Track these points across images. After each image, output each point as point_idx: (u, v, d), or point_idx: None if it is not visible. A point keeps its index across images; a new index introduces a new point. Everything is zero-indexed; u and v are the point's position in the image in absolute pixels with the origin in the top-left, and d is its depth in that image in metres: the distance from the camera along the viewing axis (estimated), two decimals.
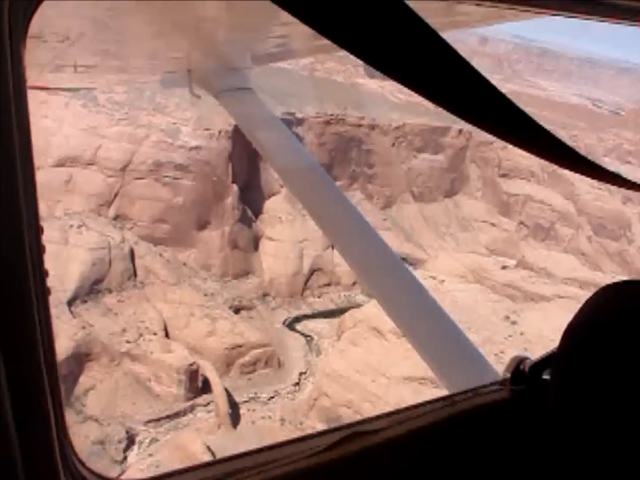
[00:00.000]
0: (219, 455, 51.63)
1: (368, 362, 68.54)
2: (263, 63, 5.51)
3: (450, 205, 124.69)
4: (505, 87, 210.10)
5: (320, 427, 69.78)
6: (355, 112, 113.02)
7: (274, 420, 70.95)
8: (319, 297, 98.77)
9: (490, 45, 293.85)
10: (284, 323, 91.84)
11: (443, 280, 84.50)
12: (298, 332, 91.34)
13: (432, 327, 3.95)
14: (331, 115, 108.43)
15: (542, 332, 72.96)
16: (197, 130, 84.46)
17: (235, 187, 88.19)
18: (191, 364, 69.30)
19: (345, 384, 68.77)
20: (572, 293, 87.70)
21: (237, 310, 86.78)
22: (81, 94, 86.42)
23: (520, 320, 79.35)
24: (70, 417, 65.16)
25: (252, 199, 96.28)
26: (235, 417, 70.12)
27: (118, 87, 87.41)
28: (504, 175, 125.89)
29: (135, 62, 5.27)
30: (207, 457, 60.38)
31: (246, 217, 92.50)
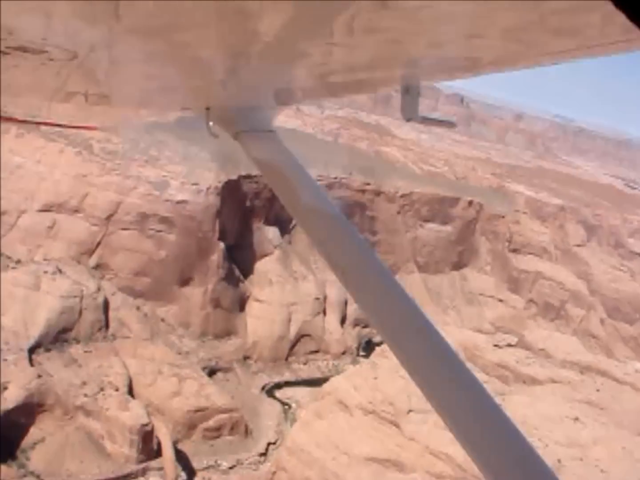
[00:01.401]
0: None
1: (330, 438, 64.29)
2: (288, 104, 5.20)
3: (457, 278, 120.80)
4: (535, 163, 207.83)
5: None
6: (362, 177, 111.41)
7: None
8: (304, 363, 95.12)
9: (526, 122, 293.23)
10: (262, 389, 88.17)
11: None
12: (276, 399, 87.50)
13: (479, 415, 3.03)
14: (334, 178, 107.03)
15: (525, 419, 67.80)
16: (185, 184, 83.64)
17: (221, 245, 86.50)
18: (145, 424, 66.05)
19: (305, 460, 64.47)
20: (568, 378, 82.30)
21: (212, 372, 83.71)
22: (77, 141, 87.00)
23: (504, 404, 74.02)
24: (8, 471, 62.37)
25: (242, 258, 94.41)
26: None
27: (114, 137, 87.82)
28: (514, 251, 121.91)
29: (152, 96, 4.98)
30: None
31: (232, 276, 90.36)
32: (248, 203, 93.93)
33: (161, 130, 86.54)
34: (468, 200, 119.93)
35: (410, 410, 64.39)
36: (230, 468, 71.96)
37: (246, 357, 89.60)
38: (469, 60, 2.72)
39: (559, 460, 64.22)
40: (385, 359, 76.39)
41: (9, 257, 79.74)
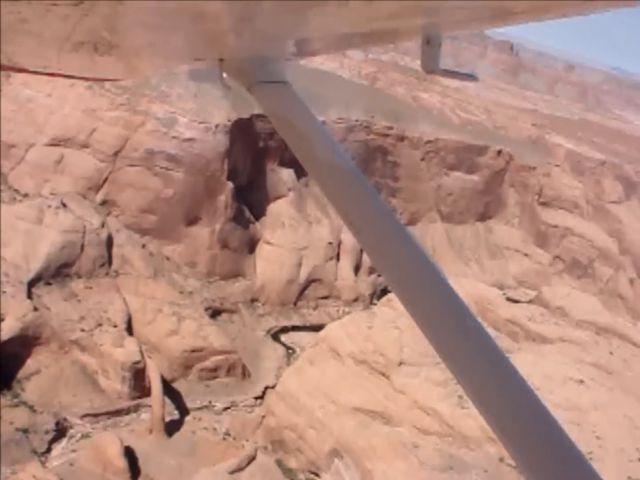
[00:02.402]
0: (132, 463, 47.67)
1: (320, 385, 63.31)
2: (305, 55, 4.88)
3: (482, 229, 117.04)
4: (583, 116, 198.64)
5: (262, 448, 65.15)
6: (385, 121, 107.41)
7: (218, 433, 66.78)
8: (314, 309, 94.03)
9: (578, 73, 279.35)
10: (267, 332, 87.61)
11: None
12: (281, 343, 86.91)
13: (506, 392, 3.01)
14: (355, 120, 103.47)
15: (527, 378, 65.05)
16: (194, 122, 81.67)
17: (230, 185, 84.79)
18: (137, 362, 66.20)
19: (293, 406, 63.80)
20: (580, 339, 79.15)
21: (217, 313, 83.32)
22: None
23: (521, 355, 71.64)
24: (2, 400, 63.43)
25: (254, 199, 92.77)
26: (176, 424, 66.50)
27: None
28: (544, 204, 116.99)
29: (164, 47, 4.47)
30: (120, 463, 57.16)
31: (242, 217, 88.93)
32: (261, 143, 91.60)
33: None
34: (497, 150, 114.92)
35: (401, 363, 62.74)
36: (225, 409, 71.98)
37: (253, 300, 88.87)
38: (498, 9, 2.54)
39: None
40: (386, 308, 74.65)
41: (16, 191, 79.91)
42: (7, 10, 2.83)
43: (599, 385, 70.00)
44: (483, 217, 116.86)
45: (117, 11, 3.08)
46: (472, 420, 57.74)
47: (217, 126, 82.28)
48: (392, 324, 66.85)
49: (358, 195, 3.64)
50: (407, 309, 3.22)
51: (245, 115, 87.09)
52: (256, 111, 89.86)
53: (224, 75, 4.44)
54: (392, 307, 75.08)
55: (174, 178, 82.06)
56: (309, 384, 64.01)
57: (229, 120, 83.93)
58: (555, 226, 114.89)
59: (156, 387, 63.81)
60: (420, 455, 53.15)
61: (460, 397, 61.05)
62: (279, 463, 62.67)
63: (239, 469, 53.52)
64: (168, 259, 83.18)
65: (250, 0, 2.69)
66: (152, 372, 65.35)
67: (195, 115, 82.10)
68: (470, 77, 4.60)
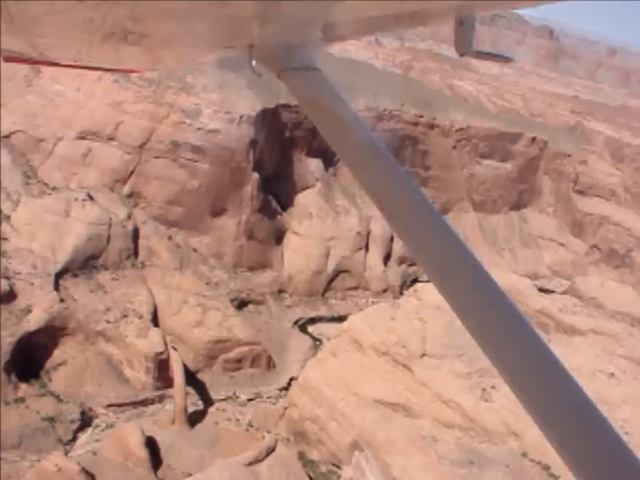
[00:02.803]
0: (154, 454, 48.00)
1: (342, 377, 62.78)
2: (334, 41, 4.86)
3: (516, 218, 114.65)
4: (625, 101, 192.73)
5: (285, 439, 65.04)
6: (415, 109, 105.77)
7: (241, 424, 66.93)
8: (342, 299, 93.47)
9: (620, 58, 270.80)
10: (295, 323, 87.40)
11: None
12: (308, 334, 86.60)
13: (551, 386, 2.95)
14: (384, 110, 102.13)
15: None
16: (218, 113, 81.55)
17: (255, 175, 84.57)
18: (160, 353, 66.66)
19: (315, 397, 63.44)
20: (613, 330, 76.83)
21: (243, 304, 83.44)
22: None
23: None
24: (30, 389, 64.66)
25: (281, 190, 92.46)
26: (199, 415, 66.88)
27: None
28: (580, 192, 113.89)
29: (194, 35, 4.45)
30: (141, 453, 57.66)
31: (269, 208, 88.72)
32: (287, 133, 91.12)
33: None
34: (531, 137, 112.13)
35: (424, 355, 61.73)
36: (249, 401, 72.08)
37: (281, 291, 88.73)
38: None
39: None
40: (412, 298, 73.63)
41: (45, 184, 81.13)
42: (38, 3, 2.91)
43: (630, 379, 67.87)
44: (517, 206, 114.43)
45: (145, 0, 3.08)
46: (494, 413, 56.61)
47: (241, 117, 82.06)
48: (416, 315, 65.87)
49: (391, 180, 3.61)
50: (442, 294, 3.16)
51: (271, 105, 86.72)
52: (282, 101, 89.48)
53: (254, 62, 4.41)
54: (418, 298, 74.07)
55: (200, 169, 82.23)
56: (331, 375, 63.57)
57: (254, 111, 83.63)
58: (592, 214, 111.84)
59: (178, 378, 64.17)
60: (440, 450, 52.23)
61: (483, 389, 59.88)
62: (301, 455, 62.52)
63: (257, 460, 53.42)
64: (195, 250, 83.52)
65: None
66: (175, 363, 65.74)
67: (219, 106, 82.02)
68: (505, 58, 4.49)
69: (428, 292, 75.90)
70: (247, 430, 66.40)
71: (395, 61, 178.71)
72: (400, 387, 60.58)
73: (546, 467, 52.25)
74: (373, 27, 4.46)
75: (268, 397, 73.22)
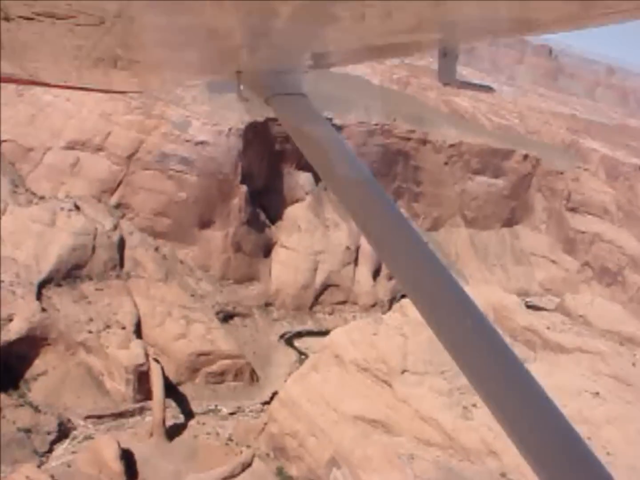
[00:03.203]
0: (131, 467, 47.38)
1: (322, 392, 62.19)
2: (321, 67, 4.80)
3: (508, 235, 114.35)
4: (623, 120, 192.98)
5: (264, 454, 64.39)
6: (407, 125, 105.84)
7: (221, 438, 66.24)
8: (330, 314, 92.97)
9: (619, 77, 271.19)
10: (282, 336, 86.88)
11: None
12: (295, 348, 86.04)
13: (522, 400, 3.04)
14: (375, 125, 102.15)
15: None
16: (206, 125, 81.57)
17: (244, 188, 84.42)
18: (140, 364, 66.19)
19: (296, 413, 62.83)
20: (599, 349, 76.22)
21: (229, 317, 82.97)
22: None
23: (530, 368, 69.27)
24: (8, 400, 64.11)
25: (270, 203, 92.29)
26: (179, 428, 66.26)
27: None
28: (572, 209, 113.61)
29: (182, 63, 4.76)
30: (116, 466, 57.03)
31: (257, 221, 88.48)
32: (277, 146, 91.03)
33: None
34: (523, 154, 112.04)
35: (404, 371, 61.18)
36: (231, 414, 71.46)
37: (268, 304, 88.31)
38: (520, 21, 2.51)
39: None
40: (397, 314, 73.13)
41: (33, 193, 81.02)
42: (30, 31, 2.97)
43: (615, 398, 67.19)
44: (509, 222, 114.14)
45: (135, 30, 3.16)
46: (473, 432, 55.92)
47: (230, 129, 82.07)
48: (399, 330, 65.39)
49: (374, 206, 3.68)
50: (423, 316, 3.26)
51: (260, 119, 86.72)
52: (272, 114, 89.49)
53: (242, 87, 4.47)
54: (404, 314, 73.62)
55: (188, 181, 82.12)
56: (312, 390, 62.99)
57: (242, 123, 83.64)
58: (584, 232, 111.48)
59: (157, 390, 63.69)
60: (417, 468, 51.61)
61: (464, 407, 59.22)
62: (279, 471, 61.81)
63: (232, 476, 52.84)
64: (181, 262, 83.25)
65: (265, 15, 2.66)
66: (155, 375, 65.27)
67: (208, 119, 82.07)
68: (487, 88, 4.60)
69: (413, 307, 75.48)
70: (227, 444, 65.72)
71: (392, 77, 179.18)
72: (380, 404, 59.97)
73: None
74: (359, 57, 4.58)
75: (250, 411, 72.60)
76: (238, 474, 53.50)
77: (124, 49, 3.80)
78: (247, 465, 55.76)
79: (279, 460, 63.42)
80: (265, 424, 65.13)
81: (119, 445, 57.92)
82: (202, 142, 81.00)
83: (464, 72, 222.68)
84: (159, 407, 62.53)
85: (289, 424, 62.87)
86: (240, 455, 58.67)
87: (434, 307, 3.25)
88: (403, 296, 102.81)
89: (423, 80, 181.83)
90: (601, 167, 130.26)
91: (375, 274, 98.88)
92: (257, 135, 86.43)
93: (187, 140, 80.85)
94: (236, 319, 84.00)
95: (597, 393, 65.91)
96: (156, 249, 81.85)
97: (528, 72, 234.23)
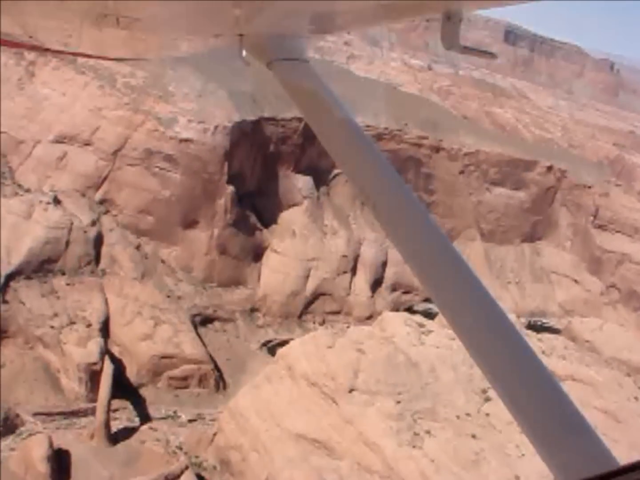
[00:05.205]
0: (64, 469, 45.07)
1: (270, 406, 58.60)
2: (324, 32, 4.92)
3: (528, 250, 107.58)
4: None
5: (211, 467, 61.45)
6: (418, 130, 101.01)
7: (170, 446, 63.59)
8: (320, 324, 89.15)
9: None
10: (264, 344, 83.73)
11: (431, 332, 70.14)
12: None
13: (536, 392, 3.29)
14: (384, 129, 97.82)
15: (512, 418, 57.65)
16: (192, 122, 79.48)
17: (230, 189, 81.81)
18: (93, 363, 64.42)
19: (242, 426, 59.47)
20: (594, 379, 69.60)
21: (207, 321, 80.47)
22: (104, 75, 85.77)
23: (497, 399, 63.80)
24: None
25: (264, 206, 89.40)
26: (129, 432, 64.07)
27: (139, 72, 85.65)
28: (600, 227, 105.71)
29: (184, 21, 4.55)
30: (42, 468, 55.17)
31: (246, 223, 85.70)
32: (272, 148, 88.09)
33: (185, 64, 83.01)
34: (547, 165, 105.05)
35: (352, 389, 56.83)
36: (190, 421, 68.87)
37: (253, 310, 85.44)
38: None
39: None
40: (368, 327, 68.88)
41: (20, 186, 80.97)
42: None
43: (600, 436, 60.70)
44: (530, 237, 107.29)
45: None
46: (413, 463, 51.18)
47: (216, 127, 79.68)
48: (358, 345, 61.04)
49: (375, 171, 3.69)
50: (445, 318, 3.33)
51: (252, 117, 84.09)
52: (267, 114, 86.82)
53: (244, 52, 4.43)
54: (382, 328, 69.25)
55: (171, 179, 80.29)
56: (261, 403, 59.57)
57: (230, 122, 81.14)
58: (612, 252, 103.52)
59: (103, 391, 61.74)
60: None
61: (416, 434, 54.37)
62: None
63: None
64: (163, 261, 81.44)
65: None
66: (104, 376, 63.33)
67: (194, 116, 79.99)
68: (489, 54, 4.62)
69: (393, 322, 71.18)
70: (174, 452, 63.05)
71: (433, 87, 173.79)
72: (325, 423, 55.93)
73: None
74: (363, 20, 4.37)
75: (211, 420, 69.75)
76: None
77: (124, 5, 3.66)
78: (175, 477, 52.82)
79: (224, 474, 60.33)
80: (214, 434, 62.15)
81: (51, 445, 56.10)
82: (186, 140, 78.99)
83: (517, 84, 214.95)
84: (102, 408, 60.50)
85: (235, 436, 59.65)
86: (170, 465, 55.79)
87: (453, 305, 3.26)
88: (407, 309, 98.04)
89: (465, 90, 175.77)
90: None
91: (376, 285, 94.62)
92: (247, 135, 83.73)
93: (172, 138, 79.00)
94: (216, 323, 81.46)
95: None
96: (137, 247, 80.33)
97: (587, 87, 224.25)
